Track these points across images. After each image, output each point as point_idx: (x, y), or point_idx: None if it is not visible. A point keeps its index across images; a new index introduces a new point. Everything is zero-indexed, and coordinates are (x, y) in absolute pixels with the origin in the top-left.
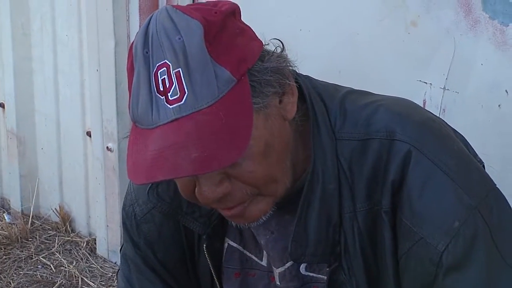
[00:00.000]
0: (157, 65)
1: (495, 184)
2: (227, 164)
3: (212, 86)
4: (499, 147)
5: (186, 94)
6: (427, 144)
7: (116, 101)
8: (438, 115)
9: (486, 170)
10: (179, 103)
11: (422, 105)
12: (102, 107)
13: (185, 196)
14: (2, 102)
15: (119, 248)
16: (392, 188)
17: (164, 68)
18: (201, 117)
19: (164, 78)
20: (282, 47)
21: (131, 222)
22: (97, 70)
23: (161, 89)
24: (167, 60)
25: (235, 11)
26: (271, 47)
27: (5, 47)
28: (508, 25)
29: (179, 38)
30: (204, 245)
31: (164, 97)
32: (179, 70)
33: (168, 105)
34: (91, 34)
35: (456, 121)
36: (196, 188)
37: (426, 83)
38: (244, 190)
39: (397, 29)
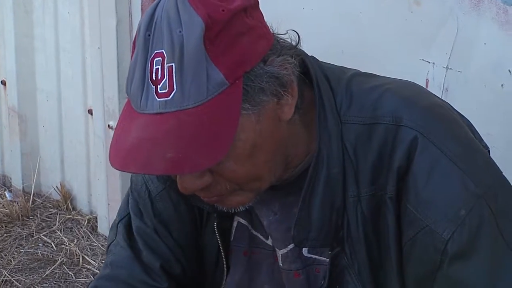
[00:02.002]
0: (155, 52)
1: (501, 172)
2: (198, 169)
3: (202, 87)
4: (502, 126)
5: (174, 91)
6: (434, 131)
7: (117, 79)
8: (440, 95)
9: (490, 150)
10: (166, 98)
11: (424, 85)
12: (103, 85)
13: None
14: (3, 80)
15: None
16: (397, 174)
17: (160, 58)
18: (184, 117)
19: (158, 68)
20: (298, 40)
21: (145, 201)
22: (99, 48)
23: (154, 78)
24: (164, 50)
25: (246, 7)
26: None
27: (7, 25)
28: (511, 5)
29: (180, 32)
30: (215, 223)
31: (155, 87)
32: (172, 65)
33: (156, 97)
34: (92, 12)
35: (459, 101)
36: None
37: (429, 62)
38: (225, 185)
39: (400, 8)
